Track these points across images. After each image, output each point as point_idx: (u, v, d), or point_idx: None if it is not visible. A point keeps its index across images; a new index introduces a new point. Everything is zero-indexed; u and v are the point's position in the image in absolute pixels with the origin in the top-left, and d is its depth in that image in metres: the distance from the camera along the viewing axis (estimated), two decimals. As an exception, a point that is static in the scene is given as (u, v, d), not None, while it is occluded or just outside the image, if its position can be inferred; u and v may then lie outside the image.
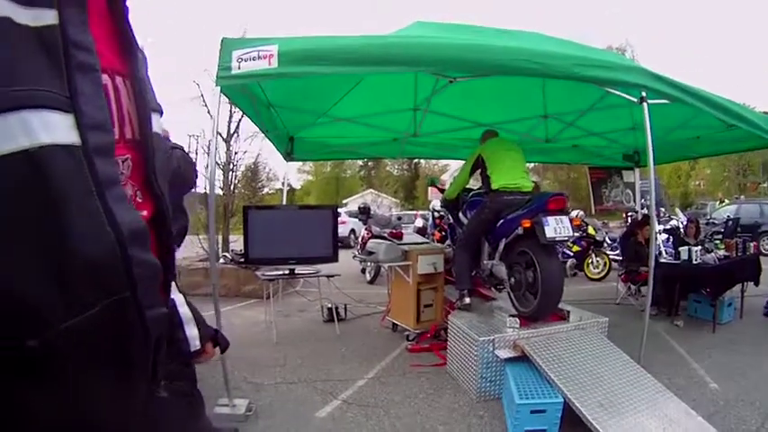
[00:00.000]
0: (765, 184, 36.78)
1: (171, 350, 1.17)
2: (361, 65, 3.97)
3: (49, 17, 0.72)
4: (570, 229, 4.53)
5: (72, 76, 0.74)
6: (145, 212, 0.94)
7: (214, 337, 1.47)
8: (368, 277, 10.85)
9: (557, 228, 4.42)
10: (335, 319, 6.64)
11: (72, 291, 0.71)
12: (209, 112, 11.78)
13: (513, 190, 4.98)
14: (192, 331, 1.36)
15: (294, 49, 3.78)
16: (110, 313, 0.74)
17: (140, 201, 0.94)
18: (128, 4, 0.96)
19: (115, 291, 0.76)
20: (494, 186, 5.07)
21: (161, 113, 1.11)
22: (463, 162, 5.90)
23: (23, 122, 0.67)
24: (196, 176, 3.91)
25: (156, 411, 1.00)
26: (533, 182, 5.36)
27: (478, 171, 5.47)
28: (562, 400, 3.51)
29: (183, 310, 1.36)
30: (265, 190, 23.12)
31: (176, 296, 1.33)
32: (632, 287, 7.77)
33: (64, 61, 0.73)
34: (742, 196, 28.89)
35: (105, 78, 0.85)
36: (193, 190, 4.25)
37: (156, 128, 1.02)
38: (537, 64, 4.07)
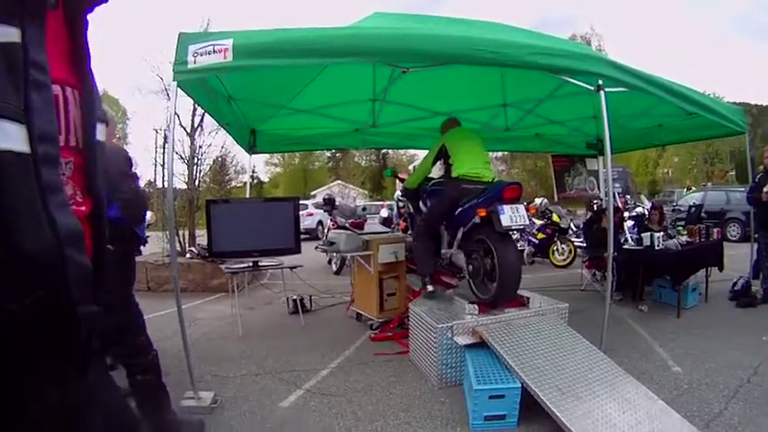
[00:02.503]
0: (733, 172, 37.49)
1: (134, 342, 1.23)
2: (314, 56, 3.98)
3: (13, 35, 0.80)
4: (526, 217, 4.60)
5: (28, 91, 0.81)
6: (83, 208, 1.01)
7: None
8: (334, 268, 10.84)
9: (512, 216, 4.48)
10: (300, 310, 6.66)
11: (12, 280, 0.77)
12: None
13: (473, 178, 5.03)
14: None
15: (249, 43, 3.79)
16: (44, 304, 0.81)
17: (80, 199, 1.01)
18: (88, 18, 1.03)
19: (50, 285, 0.82)
20: (454, 174, 5.11)
21: (107, 123, 1.21)
22: (426, 151, 5.95)
23: None
24: (145, 210, 3.93)
25: (119, 402, 1.06)
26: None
27: (441, 160, 5.51)
28: (520, 385, 3.54)
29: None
30: (233, 183, 22.90)
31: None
32: (597, 273, 7.89)
33: (23, 78, 0.80)
34: (709, 184, 29.50)
35: (57, 89, 0.94)
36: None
37: (100, 137, 1.10)
38: (490, 53, 4.11)
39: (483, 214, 4.66)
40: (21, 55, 0.80)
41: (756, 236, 7.09)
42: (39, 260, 0.80)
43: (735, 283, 7.18)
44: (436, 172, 5.83)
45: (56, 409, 0.88)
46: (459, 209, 5.04)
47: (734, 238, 14.42)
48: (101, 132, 1.12)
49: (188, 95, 4.69)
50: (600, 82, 4.52)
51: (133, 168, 3.67)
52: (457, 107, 7.28)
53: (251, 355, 5.19)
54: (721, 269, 7.31)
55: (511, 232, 4.73)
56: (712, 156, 39.94)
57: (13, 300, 0.76)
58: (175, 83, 3.94)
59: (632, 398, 3.54)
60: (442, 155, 5.44)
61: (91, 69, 1.06)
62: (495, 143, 9.44)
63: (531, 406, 3.48)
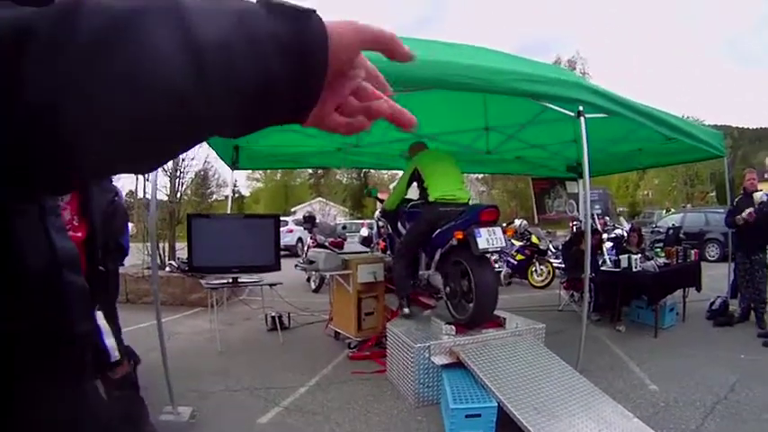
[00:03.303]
0: (713, 194, 37.83)
1: (94, 359, 1.26)
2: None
3: None
4: (502, 239, 4.68)
5: None
6: (80, 234, 1.05)
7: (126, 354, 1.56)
8: (313, 286, 10.82)
9: (489, 239, 4.56)
10: (279, 327, 6.68)
11: (15, 299, 0.81)
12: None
13: (449, 201, 5.09)
14: (110, 342, 1.45)
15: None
16: (44, 323, 0.85)
17: (77, 224, 1.05)
18: None
19: (51, 304, 0.85)
20: (431, 198, 5.16)
21: None
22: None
23: None
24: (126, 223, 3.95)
25: (100, 416, 1.10)
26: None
27: (415, 183, 5.57)
28: (496, 404, 3.60)
29: (102, 323, 1.44)
30: (214, 197, 22.81)
31: (96, 311, 1.42)
32: (575, 294, 7.98)
33: None
34: (689, 205, 29.87)
35: None
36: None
37: None
38: (473, 79, 4.22)
39: (460, 237, 4.74)
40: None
41: (734, 256, 7.21)
42: (39, 280, 0.82)
43: (712, 303, 7.30)
44: (413, 193, 5.86)
45: (53, 423, 0.92)
46: (438, 231, 5.11)
47: (712, 259, 14.63)
48: None
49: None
50: (580, 108, 4.65)
51: (112, 182, 3.70)
52: (439, 129, 7.37)
53: (229, 371, 5.19)
54: (699, 290, 7.45)
55: (488, 254, 4.79)
56: (692, 177, 40.34)
57: (13, 318, 0.81)
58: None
59: (608, 416, 3.60)
60: (415, 178, 5.50)
61: None
62: (476, 165, 9.59)
63: (507, 425, 3.52)
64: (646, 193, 47.12)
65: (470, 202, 5.33)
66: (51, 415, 0.92)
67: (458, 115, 7.17)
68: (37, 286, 0.83)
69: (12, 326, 0.81)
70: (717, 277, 8.38)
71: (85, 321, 0.97)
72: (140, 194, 13.22)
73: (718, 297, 7.33)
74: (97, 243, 1.04)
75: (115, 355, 1.46)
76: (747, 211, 6.40)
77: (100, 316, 1.45)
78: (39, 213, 0.83)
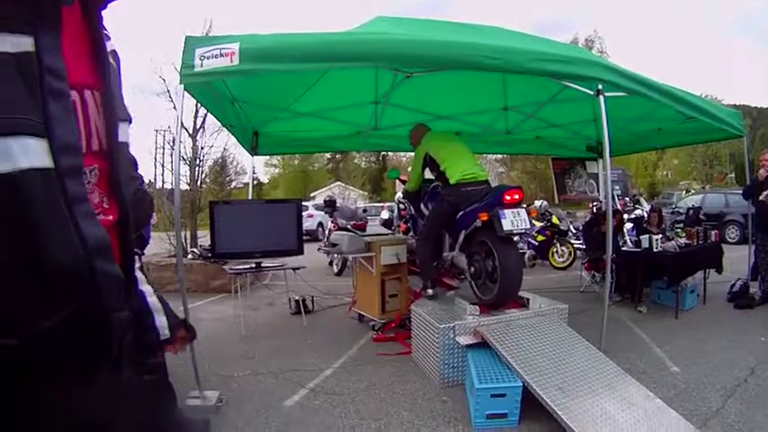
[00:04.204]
0: (732, 175, 37.31)
1: (143, 339, 1.26)
2: (319, 61, 4.07)
3: (26, 44, 0.78)
4: (527, 221, 4.65)
5: (46, 101, 0.80)
6: (111, 217, 1.03)
7: (183, 326, 1.55)
8: (335, 269, 10.87)
9: (513, 220, 4.53)
10: (303, 311, 6.71)
11: (46, 295, 0.80)
12: (174, 107, 11.66)
13: (470, 181, 5.06)
14: (161, 320, 1.45)
15: (255, 47, 3.85)
16: (79, 315, 0.84)
17: (107, 207, 1.03)
18: (103, 13, 1.01)
19: (82, 296, 0.85)
20: (451, 181, 5.12)
21: (129, 122, 1.17)
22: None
23: (6, 148, 0.75)
24: (151, 212, 3.94)
25: (132, 401, 1.09)
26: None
27: (428, 168, 5.55)
28: (521, 383, 3.59)
29: (152, 300, 1.44)
30: (233, 184, 22.91)
31: (145, 287, 1.41)
32: (596, 275, 7.90)
33: (39, 87, 0.79)
34: (707, 186, 29.44)
35: (74, 95, 0.91)
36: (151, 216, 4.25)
37: (122, 137, 1.07)
38: (494, 59, 4.18)
39: (485, 218, 4.72)
40: (36, 64, 0.79)
41: (755, 238, 7.12)
42: (69, 274, 0.82)
43: (733, 285, 7.21)
44: (429, 175, 5.85)
45: (85, 414, 0.92)
46: (461, 212, 5.08)
47: (733, 241, 14.37)
48: (124, 132, 1.10)
49: (194, 98, 4.75)
50: (599, 87, 4.59)
51: (137, 170, 3.72)
52: (459, 110, 7.35)
53: (254, 356, 5.24)
54: (720, 271, 7.35)
55: (513, 236, 4.76)
56: (712, 158, 39.85)
57: (47, 315, 0.79)
58: (182, 86, 4.00)
59: (631, 397, 3.58)
60: (428, 163, 5.48)
61: (109, 65, 1.03)
62: (495, 146, 9.52)
63: (531, 404, 3.52)
64: (665, 173, 46.45)
65: (491, 184, 5.28)
66: (85, 410, 0.93)
67: (477, 95, 7.16)
68: (67, 279, 0.82)
69: (44, 321, 0.80)
70: (737, 259, 8.28)
71: (121, 309, 0.95)
72: (158, 184, 13.35)
73: (739, 279, 7.25)
74: (130, 224, 1.02)
75: (165, 333, 1.45)
76: (765, 193, 6.28)
77: (150, 292, 1.45)
78: (64, 202, 0.82)
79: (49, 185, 0.80)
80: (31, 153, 0.78)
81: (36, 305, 0.79)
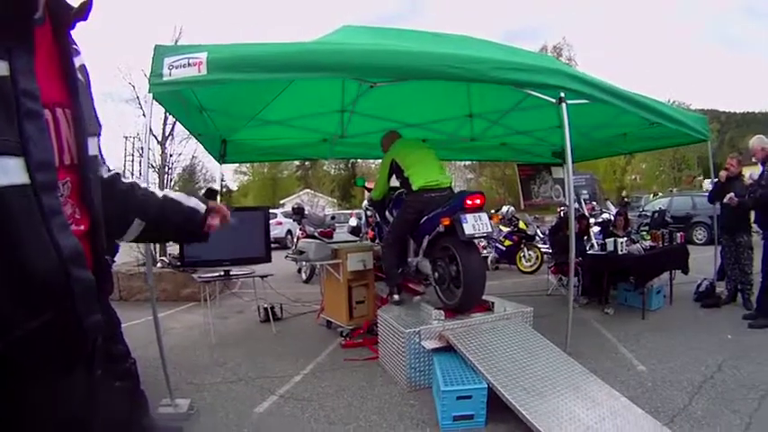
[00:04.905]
0: (701, 177, 37.85)
1: (111, 348, 1.32)
2: (286, 71, 4.14)
3: (1, 69, 0.85)
4: (489, 224, 4.73)
5: (21, 122, 0.86)
6: (82, 227, 1.09)
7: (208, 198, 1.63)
8: (303, 277, 10.88)
9: (475, 224, 4.60)
10: (271, 318, 6.72)
11: (27, 301, 0.86)
12: (144, 114, 11.55)
13: (433, 188, 5.15)
14: (190, 201, 1.52)
15: (223, 57, 3.89)
16: (56, 320, 0.91)
17: (78, 217, 1.08)
18: (72, 32, 1.07)
19: (59, 302, 0.92)
20: (414, 188, 5.20)
21: (99, 135, 1.23)
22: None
23: None
24: None
25: (106, 408, 1.15)
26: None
27: (394, 175, 5.63)
28: (486, 385, 3.65)
29: (175, 195, 1.51)
30: (202, 192, 22.70)
31: (166, 192, 1.50)
32: (563, 278, 8.01)
33: (15, 110, 0.85)
34: (675, 189, 29.93)
35: (47, 113, 0.96)
36: None
37: (92, 151, 1.14)
38: (456, 68, 4.28)
39: (447, 223, 4.79)
40: (11, 87, 0.85)
41: (720, 239, 7.28)
42: (47, 282, 0.89)
43: (699, 285, 7.39)
44: (395, 182, 5.90)
45: (65, 415, 0.98)
46: (425, 218, 5.15)
47: (700, 242, 14.71)
48: (94, 146, 1.15)
49: (162, 106, 4.76)
50: (562, 95, 4.71)
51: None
52: (425, 118, 7.43)
53: (225, 363, 5.25)
54: (686, 272, 7.52)
55: (474, 239, 4.85)
56: (680, 161, 40.45)
57: (29, 320, 0.86)
58: (151, 94, 4.02)
59: (596, 396, 3.68)
60: (394, 170, 5.56)
61: (79, 82, 1.09)
62: (461, 153, 9.66)
63: (498, 406, 3.59)
64: (633, 177, 47.10)
65: (457, 190, 5.37)
66: (63, 406, 0.98)
67: (442, 103, 7.24)
68: (45, 287, 0.89)
69: (26, 325, 0.86)
70: (704, 260, 8.46)
71: (94, 313, 1.01)
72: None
73: (705, 279, 7.42)
74: (101, 232, 1.08)
75: (201, 207, 1.53)
76: (729, 195, 6.49)
77: (168, 191, 1.52)
78: (41, 215, 0.88)
79: (27, 201, 0.86)
80: (10, 171, 0.83)
81: (19, 311, 0.85)
